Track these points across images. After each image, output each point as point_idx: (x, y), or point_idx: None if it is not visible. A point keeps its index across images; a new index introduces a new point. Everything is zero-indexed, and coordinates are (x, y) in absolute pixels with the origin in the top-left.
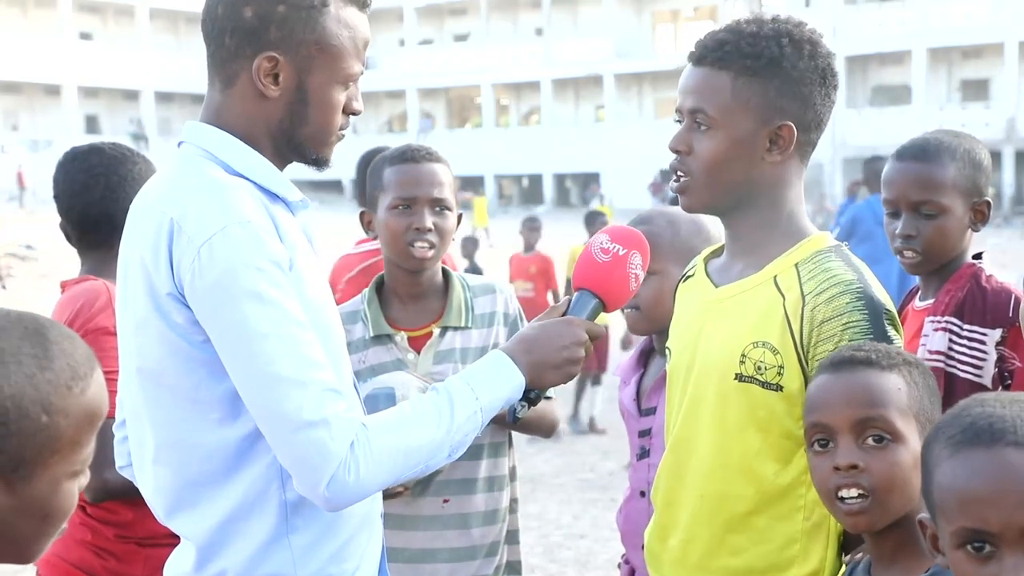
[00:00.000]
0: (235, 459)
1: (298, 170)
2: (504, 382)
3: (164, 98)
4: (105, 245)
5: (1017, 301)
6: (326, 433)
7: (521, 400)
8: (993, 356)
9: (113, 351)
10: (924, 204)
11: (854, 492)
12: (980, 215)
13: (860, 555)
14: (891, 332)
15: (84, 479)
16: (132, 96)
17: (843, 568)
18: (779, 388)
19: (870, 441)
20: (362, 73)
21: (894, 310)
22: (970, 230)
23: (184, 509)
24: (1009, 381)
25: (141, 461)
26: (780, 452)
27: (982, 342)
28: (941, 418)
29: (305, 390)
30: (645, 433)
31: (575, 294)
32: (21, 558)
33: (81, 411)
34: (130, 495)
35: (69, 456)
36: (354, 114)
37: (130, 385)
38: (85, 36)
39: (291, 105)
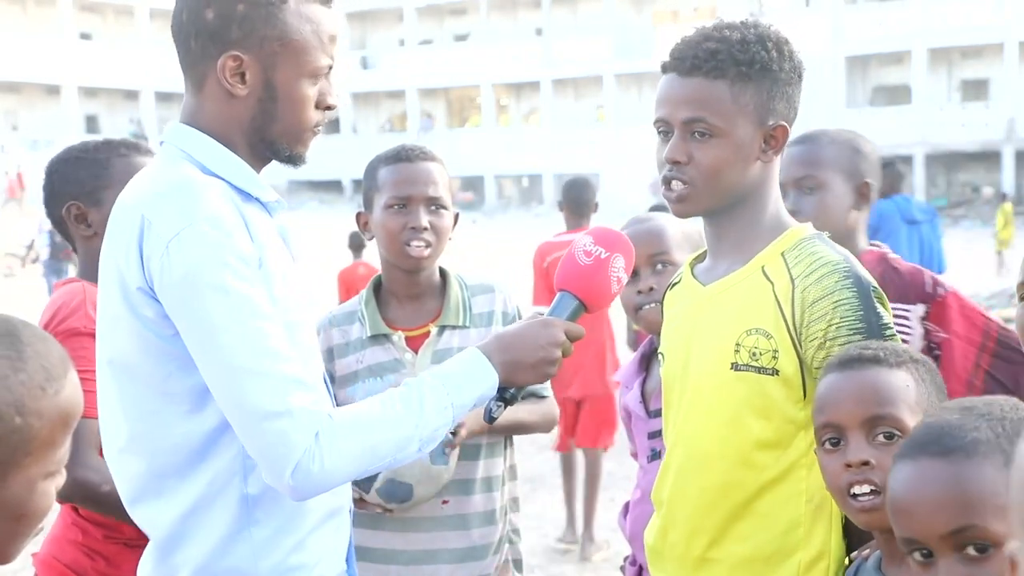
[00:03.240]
0: (200, 452)
1: (297, 170)
2: (477, 379)
3: (164, 98)
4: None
5: (931, 279)
6: (289, 423)
7: (497, 399)
8: (919, 330)
9: (84, 351)
10: (804, 179)
11: (866, 488)
12: (863, 197)
13: (867, 551)
14: (880, 308)
15: (60, 479)
16: (132, 96)
17: (847, 558)
18: (775, 372)
19: (880, 438)
20: (331, 67)
21: (880, 288)
22: (854, 210)
23: (148, 499)
24: (938, 352)
25: (110, 450)
26: (781, 437)
27: (906, 318)
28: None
29: (268, 381)
30: (655, 435)
31: (557, 295)
32: None
33: (55, 412)
34: (93, 499)
35: (44, 457)
36: (328, 108)
37: (103, 377)
38: (85, 36)
39: (260, 103)
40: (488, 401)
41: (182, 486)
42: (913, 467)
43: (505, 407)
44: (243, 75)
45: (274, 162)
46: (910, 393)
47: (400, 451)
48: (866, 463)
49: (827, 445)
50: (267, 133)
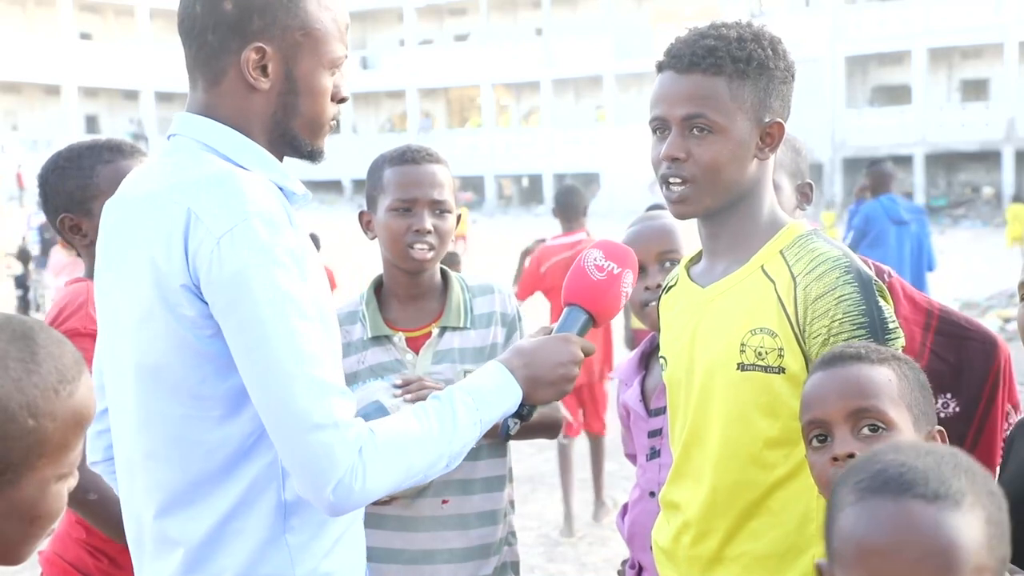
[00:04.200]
0: (235, 458)
1: (298, 170)
2: (505, 395)
3: (164, 98)
4: None
5: (875, 265)
6: (336, 437)
7: (513, 416)
8: None
9: (84, 353)
10: None
11: None
12: (805, 197)
13: None
14: (882, 302)
15: (72, 481)
16: (132, 96)
17: None
18: (782, 370)
19: (865, 431)
20: (346, 57)
21: (881, 281)
22: (798, 210)
23: (180, 508)
24: None
25: (132, 458)
26: (790, 434)
27: None
28: (853, 461)
29: (317, 390)
30: (655, 433)
31: (566, 309)
32: (9, 560)
33: (69, 414)
34: (78, 503)
35: (57, 459)
36: (342, 101)
37: (125, 381)
38: (85, 36)
39: (281, 96)
40: (506, 418)
41: (217, 493)
42: (896, 508)
43: (520, 424)
44: (265, 68)
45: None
46: (892, 387)
47: (431, 468)
48: (852, 456)
49: (814, 443)
50: (288, 128)
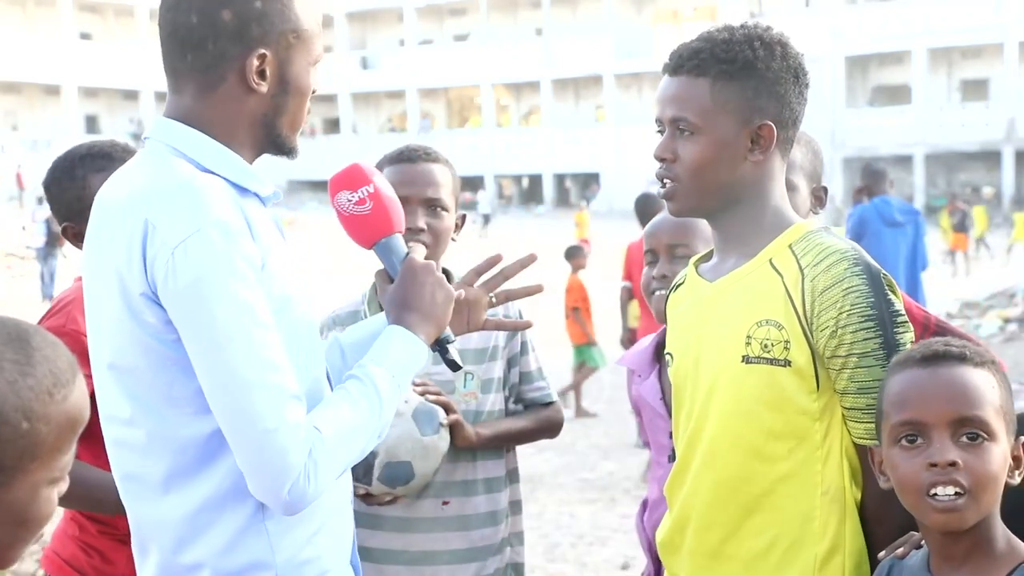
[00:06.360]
0: (211, 450)
1: (297, 170)
2: (414, 355)
3: (164, 98)
4: None
5: None
6: (288, 440)
7: (442, 351)
8: None
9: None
10: None
11: (951, 490)
12: (818, 200)
13: (901, 549)
14: (891, 296)
15: (64, 485)
16: (132, 96)
17: (863, 545)
18: (787, 363)
19: (965, 439)
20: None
21: (890, 276)
22: (812, 213)
23: (156, 496)
24: None
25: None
26: (794, 429)
27: None
28: None
29: (270, 394)
30: None
31: (376, 249)
32: None
33: (63, 418)
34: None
35: (49, 463)
36: (312, 93)
37: (102, 378)
38: (85, 36)
39: (275, 97)
40: (445, 358)
41: (192, 485)
42: None
43: (450, 343)
44: (263, 71)
45: (268, 164)
46: (995, 394)
47: (368, 446)
48: (953, 464)
49: (904, 442)
50: (275, 127)
